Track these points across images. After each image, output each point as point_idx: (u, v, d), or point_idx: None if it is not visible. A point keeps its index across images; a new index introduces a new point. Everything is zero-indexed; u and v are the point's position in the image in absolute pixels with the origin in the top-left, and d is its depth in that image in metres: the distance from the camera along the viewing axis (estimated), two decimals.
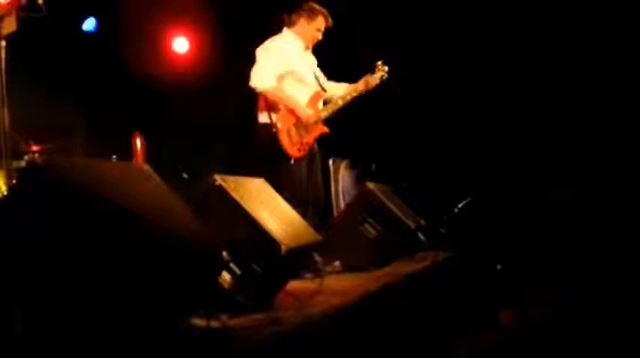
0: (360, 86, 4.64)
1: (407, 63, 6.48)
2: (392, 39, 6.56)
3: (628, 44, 6.12)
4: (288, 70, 4.43)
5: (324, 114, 4.54)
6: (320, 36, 4.60)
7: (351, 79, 4.75)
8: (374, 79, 4.66)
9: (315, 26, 4.56)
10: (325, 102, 4.64)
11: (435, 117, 6.75)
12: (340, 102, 4.59)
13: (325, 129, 4.53)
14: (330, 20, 4.59)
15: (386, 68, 4.68)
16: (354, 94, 4.63)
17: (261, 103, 4.46)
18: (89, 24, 6.73)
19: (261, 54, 4.41)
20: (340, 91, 4.69)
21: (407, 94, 6.49)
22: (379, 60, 4.71)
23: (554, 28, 6.32)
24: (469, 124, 6.71)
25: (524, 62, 6.49)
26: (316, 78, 4.64)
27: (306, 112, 4.42)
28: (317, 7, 4.58)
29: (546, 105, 6.52)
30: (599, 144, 6.27)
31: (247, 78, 4.37)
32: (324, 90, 4.63)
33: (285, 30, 4.60)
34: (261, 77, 4.32)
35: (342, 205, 5.69)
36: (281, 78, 4.40)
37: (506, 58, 6.52)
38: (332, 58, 4.81)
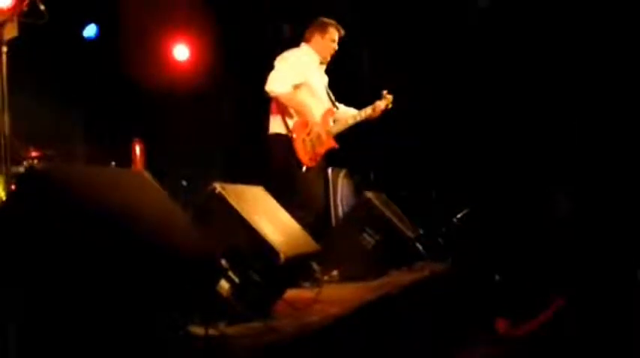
0: (369, 110, 4.78)
1: (406, 72, 6.53)
2: (392, 48, 6.59)
3: (621, 54, 6.15)
4: (304, 82, 4.51)
5: (334, 130, 4.64)
6: (335, 46, 4.71)
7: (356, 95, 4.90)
8: (380, 106, 4.79)
9: (329, 38, 4.68)
10: (334, 121, 4.73)
11: (432, 127, 6.76)
12: (350, 121, 4.74)
13: (335, 145, 4.61)
14: (341, 29, 4.71)
15: (390, 97, 4.83)
16: (363, 116, 4.77)
17: (274, 107, 4.55)
18: (90, 30, 6.75)
19: (280, 62, 4.51)
20: (348, 113, 4.82)
21: (406, 103, 6.52)
22: (385, 89, 4.85)
23: (547, 47, 6.36)
24: (467, 134, 6.72)
25: (521, 72, 6.51)
26: (328, 95, 4.74)
27: (315, 120, 4.50)
28: (326, 20, 4.70)
29: (542, 114, 6.53)
30: (597, 153, 6.28)
31: (263, 82, 4.42)
32: (336, 107, 4.76)
33: (303, 45, 4.70)
34: (278, 82, 4.40)
35: (341, 214, 5.68)
36: (296, 88, 4.48)
37: (503, 69, 6.54)
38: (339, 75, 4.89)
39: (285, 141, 4.45)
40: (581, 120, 6.40)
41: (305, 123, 4.47)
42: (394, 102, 4.85)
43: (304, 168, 4.43)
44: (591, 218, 6.06)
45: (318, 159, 4.51)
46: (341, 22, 4.73)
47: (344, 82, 4.96)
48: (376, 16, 6.62)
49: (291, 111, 4.49)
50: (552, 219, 6.27)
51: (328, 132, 4.56)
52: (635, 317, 4.33)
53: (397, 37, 6.64)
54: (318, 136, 4.48)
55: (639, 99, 6.09)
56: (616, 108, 6.22)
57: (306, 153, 4.45)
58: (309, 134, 4.46)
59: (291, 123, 4.48)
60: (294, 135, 4.45)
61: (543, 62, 6.44)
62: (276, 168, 4.52)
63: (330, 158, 4.82)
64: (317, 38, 4.67)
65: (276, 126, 4.53)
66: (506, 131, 6.61)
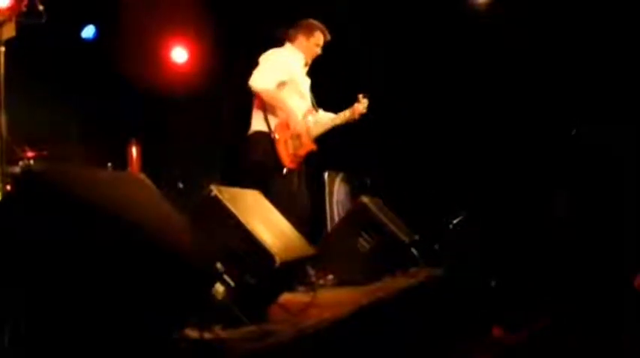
0: (347, 113, 4.69)
1: (402, 76, 6.54)
2: (391, 51, 6.60)
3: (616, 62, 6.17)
4: (289, 79, 4.46)
5: (314, 132, 4.59)
6: (319, 51, 4.66)
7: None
8: (358, 109, 4.69)
9: (313, 42, 4.62)
10: (314, 122, 4.66)
11: (429, 132, 6.77)
12: (330, 124, 4.68)
13: (314, 147, 4.55)
14: (328, 35, 4.65)
15: (366, 101, 4.70)
16: (342, 119, 4.70)
17: (257, 103, 4.49)
18: (88, 31, 6.74)
19: (264, 59, 4.46)
20: (327, 117, 4.77)
21: (402, 109, 6.53)
22: (361, 93, 4.75)
23: (545, 47, 6.38)
24: (463, 140, 6.73)
25: (519, 74, 6.52)
26: (311, 97, 4.71)
27: (296, 119, 4.43)
28: (314, 22, 4.64)
29: (540, 117, 6.54)
30: (595, 157, 6.29)
31: (247, 83, 4.37)
32: (315, 109, 4.72)
33: (287, 44, 4.65)
34: (261, 78, 4.35)
35: (337, 218, 5.69)
36: (281, 85, 4.43)
37: (502, 71, 6.55)
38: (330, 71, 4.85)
39: (266, 140, 4.38)
40: (579, 121, 6.41)
41: (287, 124, 4.41)
42: (393, 106, 4.79)
43: (285, 170, 4.39)
44: (588, 222, 6.06)
45: (299, 161, 4.46)
46: (340, 22, 4.68)
47: (341, 82, 4.93)
48: (375, 18, 6.62)
49: (277, 113, 4.42)
50: (550, 224, 6.27)
51: (308, 132, 4.50)
52: (628, 322, 4.34)
53: (396, 40, 6.64)
54: (299, 135, 4.42)
55: (638, 100, 6.10)
56: (615, 109, 6.22)
57: (287, 155, 4.39)
58: (291, 136, 4.40)
59: (273, 122, 4.41)
60: (277, 136, 4.38)
61: (542, 63, 6.45)
62: (250, 166, 4.44)
63: (327, 162, 4.81)
64: (301, 39, 4.61)
65: (257, 123, 4.47)
66: (502, 136, 6.61)
